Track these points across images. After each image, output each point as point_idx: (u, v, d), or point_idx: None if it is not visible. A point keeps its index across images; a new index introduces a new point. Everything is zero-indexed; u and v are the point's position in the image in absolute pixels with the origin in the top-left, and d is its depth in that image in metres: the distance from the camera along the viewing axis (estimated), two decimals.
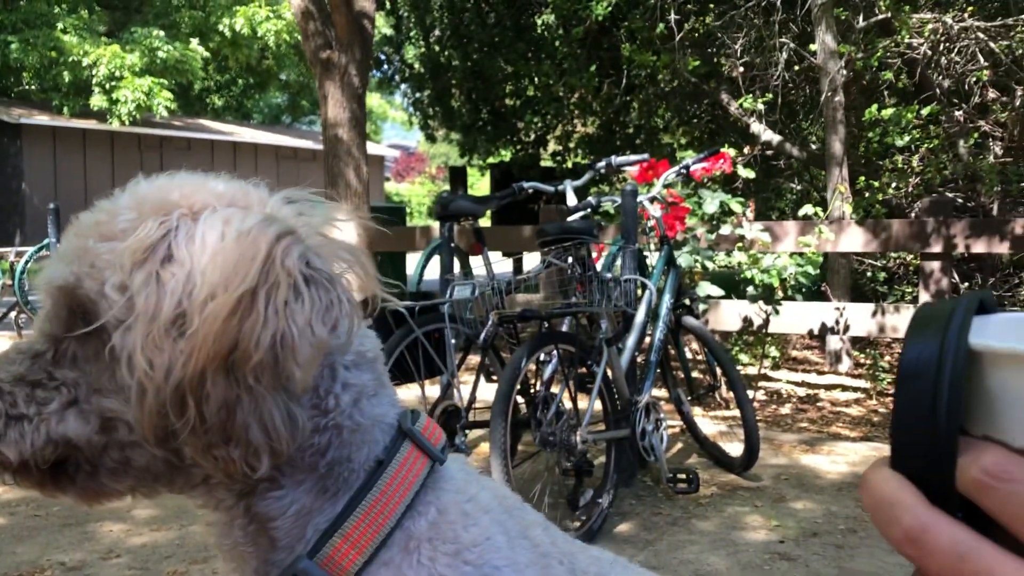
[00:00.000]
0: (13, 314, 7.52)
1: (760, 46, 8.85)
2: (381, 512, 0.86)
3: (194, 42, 23.75)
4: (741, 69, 8.65)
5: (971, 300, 0.40)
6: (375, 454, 0.89)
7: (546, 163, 12.74)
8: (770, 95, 8.37)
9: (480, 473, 1.00)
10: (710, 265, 5.58)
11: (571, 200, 4.28)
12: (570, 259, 3.64)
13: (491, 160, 14.25)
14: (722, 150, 4.60)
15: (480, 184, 34.75)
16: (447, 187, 42.98)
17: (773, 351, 6.66)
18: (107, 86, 22.00)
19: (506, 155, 13.55)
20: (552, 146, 11.94)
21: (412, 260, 11.19)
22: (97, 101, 22.15)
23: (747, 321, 6.09)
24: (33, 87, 24.33)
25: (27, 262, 7.02)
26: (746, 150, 9.08)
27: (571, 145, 11.57)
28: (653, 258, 4.55)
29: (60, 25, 22.24)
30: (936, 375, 0.37)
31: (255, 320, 0.77)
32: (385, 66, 14.44)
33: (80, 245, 0.86)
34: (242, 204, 0.87)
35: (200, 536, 3.58)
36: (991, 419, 0.37)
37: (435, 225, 8.67)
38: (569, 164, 11.84)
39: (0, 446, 0.85)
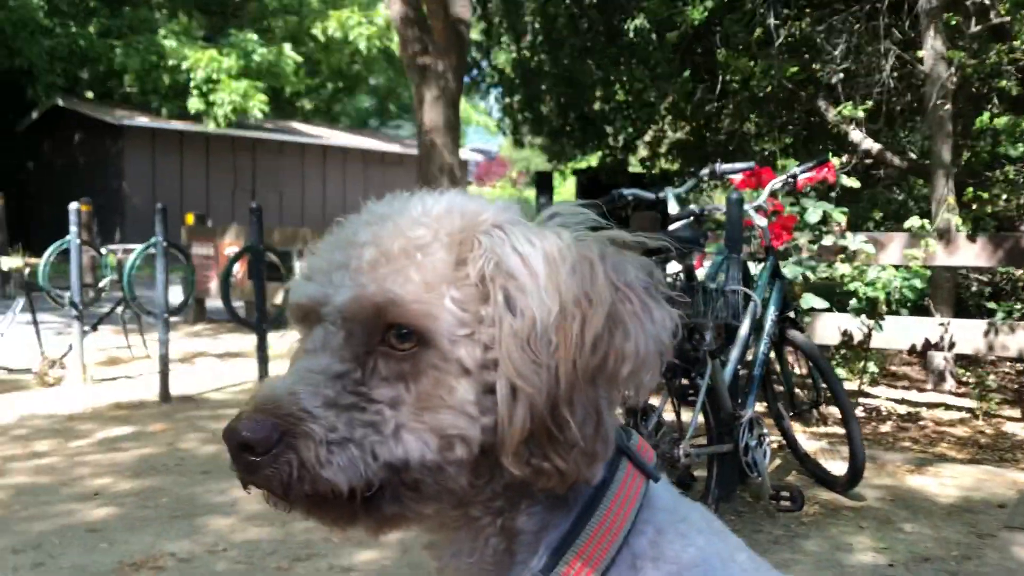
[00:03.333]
0: (119, 309, 7.81)
1: (861, 52, 8.61)
2: (609, 530, 0.86)
3: (287, 47, 24.33)
4: (841, 76, 8.42)
5: None
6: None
7: (634, 169, 12.64)
8: (870, 102, 8.13)
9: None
10: (811, 276, 5.45)
11: (673, 208, 4.22)
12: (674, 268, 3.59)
13: (578, 165, 14.21)
14: (829, 161, 4.47)
15: (562, 189, 34.71)
16: (528, 192, 43.13)
17: (872, 367, 6.45)
18: (204, 89, 22.73)
19: (593, 160, 13.50)
20: (641, 151, 11.85)
21: None
22: (194, 104, 22.89)
23: (847, 335, 5.91)
24: (134, 90, 25.29)
25: (136, 259, 7.28)
26: (844, 158, 8.86)
27: (661, 151, 11.45)
28: (754, 268, 4.46)
29: (161, 31, 23.07)
30: None
31: (622, 335, 0.82)
32: (474, 71, 14.55)
33: (384, 259, 0.85)
34: (516, 219, 0.90)
35: (302, 534, 3.64)
36: None
37: None
38: (656, 170, 11.73)
39: (326, 473, 0.79)
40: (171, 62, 22.60)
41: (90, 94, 26.34)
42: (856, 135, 8.37)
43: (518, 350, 0.80)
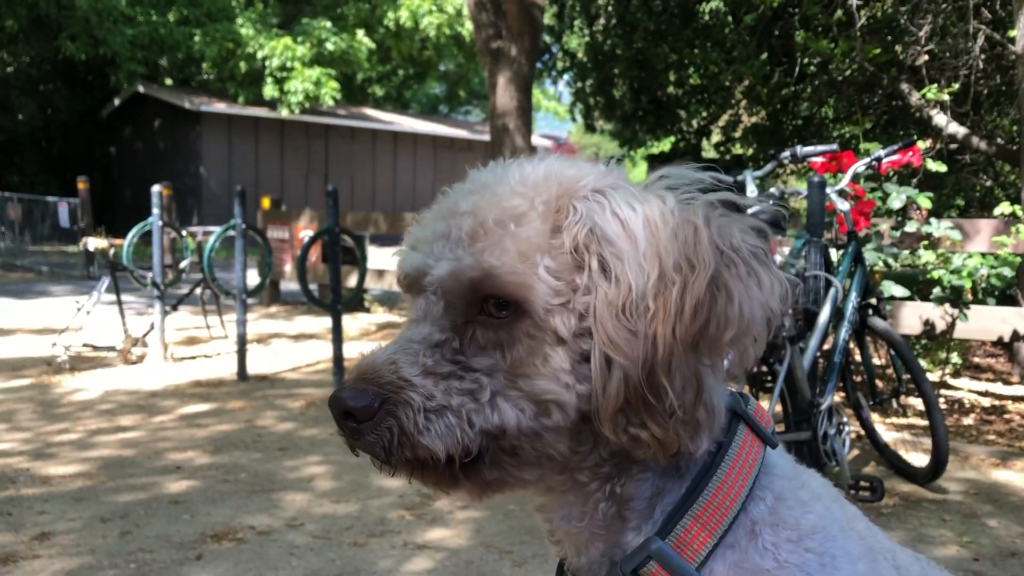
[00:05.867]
0: (199, 290, 8.02)
1: (947, 33, 8.31)
2: (727, 495, 0.86)
3: (360, 33, 24.57)
4: (926, 57, 8.14)
5: None
6: (714, 436, 0.88)
7: (708, 154, 12.44)
8: (956, 85, 7.84)
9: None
10: (892, 263, 5.30)
11: (752, 191, 4.13)
12: None
13: (650, 150, 14.05)
14: (915, 143, 4.33)
15: (633, 175, 34.25)
16: None
17: (955, 357, 6.25)
18: (278, 76, 23.11)
19: (665, 145, 13.32)
20: (715, 136, 11.66)
21: None
22: (269, 91, 23.29)
23: (928, 324, 5.74)
24: (211, 77, 25.86)
25: (216, 241, 7.46)
26: (928, 143, 8.58)
27: (736, 135, 11.24)
28: (834, 253, 4.35)
29: (238, 19, 23.51)
30: None
31: (725, 300, 0.80)
32: (546, 55, 14.49)
33: (482, 231, 0.85)
34: (618, 183, 0.88)
35: (376, 511, 3.70)
36: None
37: None
38: (730, 156, 11.52)
39: (424, 440, 0.82)
40: (247, 50, 23.03)
41: (169, 81, 27.03)
42: (940, 119, 8.10)
43: (612, 319, 0.79)
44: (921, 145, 5.68)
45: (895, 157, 4.23)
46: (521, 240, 0.83)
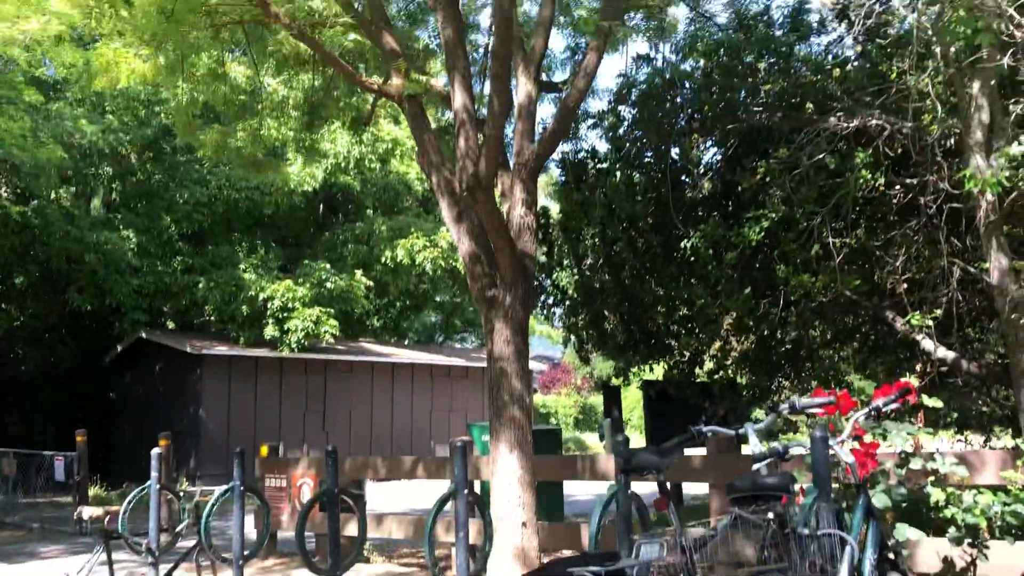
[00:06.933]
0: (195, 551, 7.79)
1: (922, 260, 8.66)
2: None
3: (358, 273, 25.44)
4: (905, 286, 8.44)
5: None
6: None
7: (701, 379, 12.55)
8: (939, 311, 8.07)
9: None
10: (900, 501, 5.21)
11: (754, 445, 4.15)
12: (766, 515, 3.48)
13: (644, 375, 14.16)
14: (911, 387, 4.41)
15: (628, 394, 34.45)
16: (593, 399, 43.00)
17: None
18: (279, 316, 23.66)
19: (658, 372, 13.43)
20: (708, 364, 11.83)
21: (568, 485, 11.06)
22: (270, 331, 23.76)
23: (948, 561, 5.56)
24: (213, 319, 26.43)
25: (214, 505, 7.33)
26: (918, 368, 8.70)
27: (727, 363, 11.42)
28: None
29: (242, 265, 24.42)
30: None
31: None
32: (536, 286, 14.93)
33: None
34: None
35: None
36: None
37: (600, 454, 8.67)
38: (725, 380, 11.63)
39: None
40: (249, 294, 23.71)
41: (171, 324, 27.59)
42: (928, 344, 8.27)
43: None
44: (914, 381, 5.78)
45: (893, 406, 4.28)
46: None
